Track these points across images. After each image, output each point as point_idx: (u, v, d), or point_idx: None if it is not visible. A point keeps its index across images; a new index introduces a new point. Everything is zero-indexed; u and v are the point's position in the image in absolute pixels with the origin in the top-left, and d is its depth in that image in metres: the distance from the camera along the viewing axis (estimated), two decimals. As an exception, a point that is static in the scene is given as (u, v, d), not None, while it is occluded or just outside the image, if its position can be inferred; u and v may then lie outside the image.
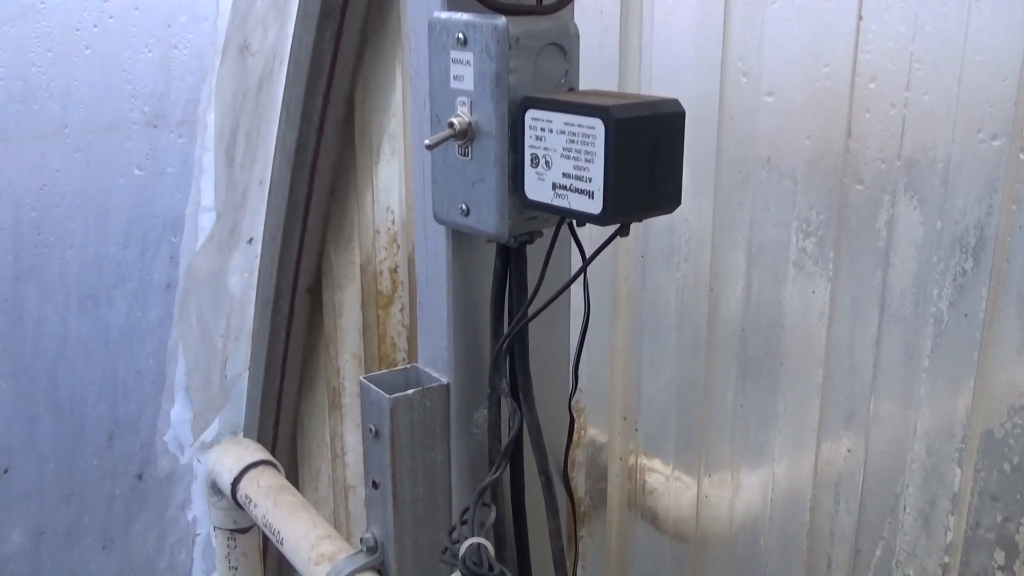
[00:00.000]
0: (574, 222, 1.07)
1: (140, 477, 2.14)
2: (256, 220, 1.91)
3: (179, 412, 2.13)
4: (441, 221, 1.16)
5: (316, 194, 1.90)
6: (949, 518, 1.02)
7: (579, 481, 1.51)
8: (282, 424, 2.20)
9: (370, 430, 1.26)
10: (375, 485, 1.28)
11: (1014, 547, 0.95)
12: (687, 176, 1.22)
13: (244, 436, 2.12)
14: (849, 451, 1.10)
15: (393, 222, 1.82)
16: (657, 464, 1.37)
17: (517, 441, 1.26)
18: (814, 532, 1.16)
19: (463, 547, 1.04)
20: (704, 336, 1.23)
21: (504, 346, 1.17)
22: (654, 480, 1.39)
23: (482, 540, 1.05)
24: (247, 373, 2.09)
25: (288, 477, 2.28)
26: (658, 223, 1.26)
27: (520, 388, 1.21)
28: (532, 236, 1.14)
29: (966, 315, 0.97)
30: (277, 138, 1.81)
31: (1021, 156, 0.89)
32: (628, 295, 1.33)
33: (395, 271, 1.85)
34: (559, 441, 1.34)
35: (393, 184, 1.79)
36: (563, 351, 1.31)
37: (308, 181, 1.87)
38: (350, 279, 1.96)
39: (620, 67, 1.25)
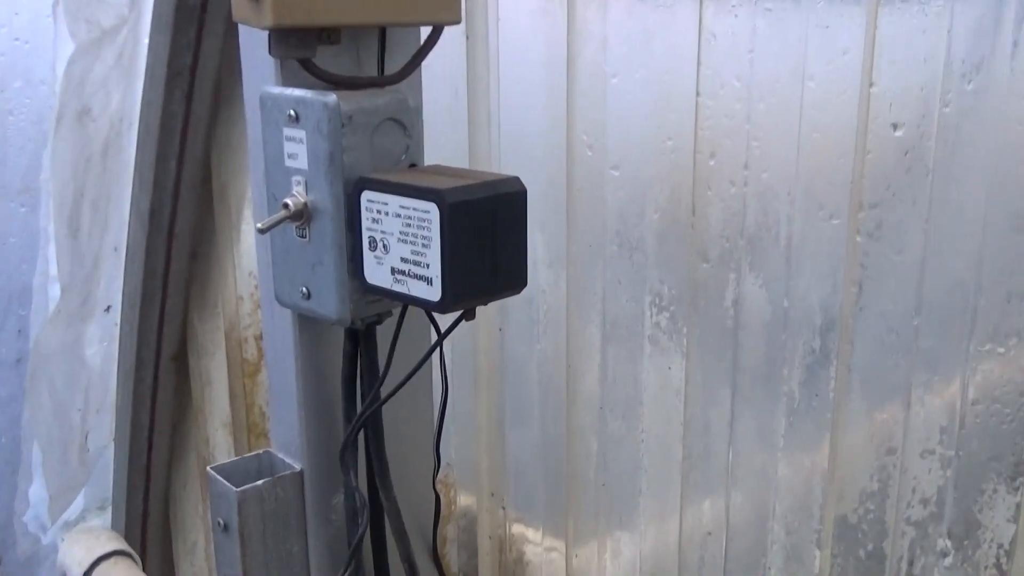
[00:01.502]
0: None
1: (-2, 561, 2.02)
2: (113, 288, 1.82)
3: (38, 491, 2.01)
4: (283, 303, 1.10)
5: (175, 259, 1.81)
6: (811, 602, 0.99)
7: (452, 557, 1.45)
8: (152, 497, 2.09)
9: (219, 524, 1.19)
10: (228, 582, 1.21)
11: (871, 635, 0.93)
12: (544, 246, 1.19)
13: (113, 510, 2.01)
14: (710, 533, 1.06)
15: (256, 287, 1.75)
16: (527, 538, 1.33)
17: (376, 532, 1.21)
18: (681, 615, 1.13)
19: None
20: (564, 412, 1.19)
21: (354, 433, 1.11)
22: (526, 552, 1.34)
23: (327, 656, 0.99)
24: (112, 446, 1.99)
25: (162, 551, 2.17)
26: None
27: (376, 473, 1.16)
28: (380, 317, 1.09)
29: (816, 395, 0.95)
30: (131, 203, 1.73)
31: (858, 239, 0.87)
32: (489, 369, 1.28)
33: (260, 338, 1.77)
34: (427, 520, 1.29)
35: (255, 249, 1.72)
36: (427, 429, 1.26)
37: (166, 247, 1.79)
38: (216, 346, 1.87)
39: (470, 139, 1.21)
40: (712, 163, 0.97)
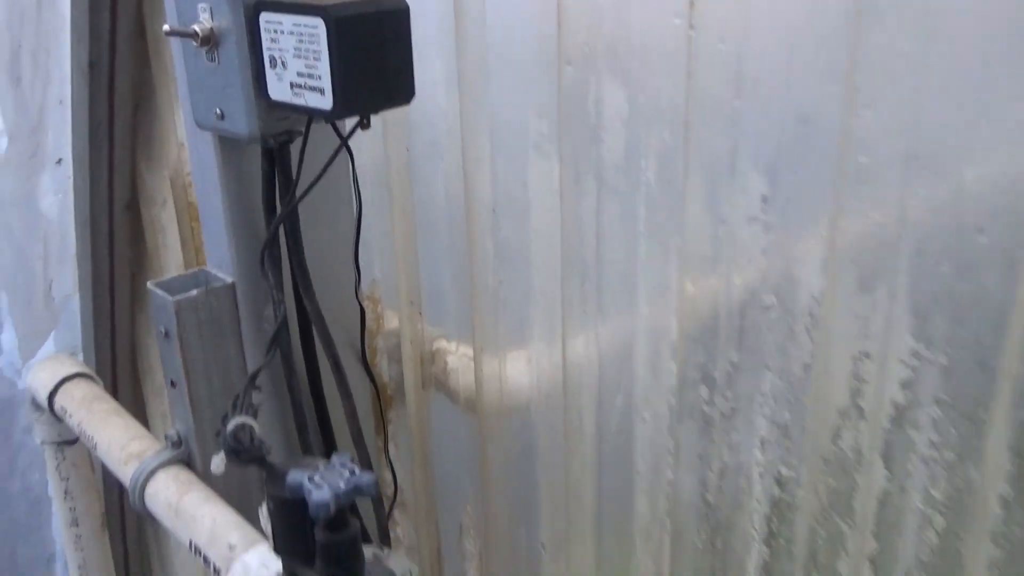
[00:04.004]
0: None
1: (-23, 405, 2.16)
2: (62, 141, 1.91)
3: (9, 338, 2.14)
4: (202, 127, 1.21)
5: (119, 111, 1.90)
6: (671, 364, 1.14)
7: (383, 368, 1.60)
8: (119, 342, 2.23)
9: (161, 331, 1.31)
10: (173, 384, 1.34)
11: (713, 382, 1.08)
12: (442, 67, 1.29)
13: (83, 356, 2.14)
14: (585, 311, 1.20)
15: (196, 134, 1.84)
16: (443, 343, 1.47)
17: (305, 336, 1.33)
18: (567, 391, 1.27)
19: (229, 427, 1.11)
20: (463, 219, 1.31)
21: (273, 231, 1.22)
22: (445, 358, 1.48)
23: (247, 419, 1.12)
24: (77, 295, 2.11)
25: (132, 392, 2.32)
26: (419, 115, 1.33)
27: (299, 281, 1.28)
28: (291, 135, 1.19)
29: (669, 183, 1.07)
30: (71, 56, 1.80)
31: (690, 32, 0.98)
32: (401, 189, 1.40)
33: (203, 182, 1.87)
34: (354, 328, 1.42)
35: (192, 96, 1.80)
36: (347, 243, 1.37)
37: (108, 98, 1.87)
38: (165, 194, 1.98)
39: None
40: (571, -26, 1.07)
